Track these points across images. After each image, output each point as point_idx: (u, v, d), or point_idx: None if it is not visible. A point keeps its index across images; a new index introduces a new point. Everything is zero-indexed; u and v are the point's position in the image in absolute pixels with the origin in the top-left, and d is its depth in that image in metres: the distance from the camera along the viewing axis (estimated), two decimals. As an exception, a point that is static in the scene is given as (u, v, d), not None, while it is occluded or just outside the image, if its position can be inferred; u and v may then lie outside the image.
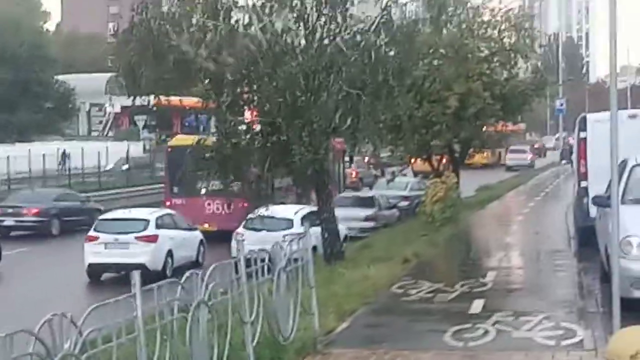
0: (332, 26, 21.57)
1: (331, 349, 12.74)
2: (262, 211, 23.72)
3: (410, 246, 24.18)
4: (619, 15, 12.37)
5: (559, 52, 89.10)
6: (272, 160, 22.24)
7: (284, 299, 11.69)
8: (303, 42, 21.70)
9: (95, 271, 25.93)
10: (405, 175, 44.93)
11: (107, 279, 25.72)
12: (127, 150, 59.88)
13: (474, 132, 37.58)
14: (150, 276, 21.53)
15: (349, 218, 30.30)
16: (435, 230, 28.61)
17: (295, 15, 21.50)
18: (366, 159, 55.47)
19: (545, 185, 55.88)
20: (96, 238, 26.08)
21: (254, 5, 21.52)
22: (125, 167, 58.90)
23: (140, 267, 23.79)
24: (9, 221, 37.25)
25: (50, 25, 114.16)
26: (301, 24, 21.59)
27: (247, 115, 23.40)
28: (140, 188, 50.88)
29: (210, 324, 9.39)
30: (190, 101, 37.06)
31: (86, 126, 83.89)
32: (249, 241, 17.51)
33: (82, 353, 7.16)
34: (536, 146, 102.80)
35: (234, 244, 23.59)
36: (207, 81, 21.81)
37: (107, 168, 57.89)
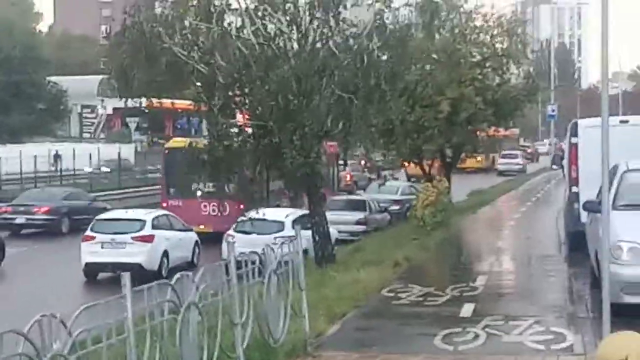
0: (325, 30, 21.57)
1: (321, 352, 12.75)
2: (253, 214, 23.71)
3: (401, 250, 24.19)
4: (611, 21, 12.40)
5: (551, 57, 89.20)
6: (264, 163, 22.28)
7: (275, 302, 11.69)
8: (295, 45, 21.71)
9: (91, 270, 26.21)
10: (396, 179, 44.97)
11: (105, 279, 25.76)
12: (119, 152, 59.82)
13: (466, 137, 37.63)
14: (146, 276, 21.74)
15: (340, 221, 30.32)
16: (426, 235, 28.62)
17: (287, 18, 21.51)
18: (362, 162, 55.46)
19: (537, 190, 55.96)
20: (93, 238, 26.42)
21: (246, 8, 21.52)
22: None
23: (137, 267, 24.55)
24: (20, 219, 37.86)
25: (43, 27, 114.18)
26: (294, 27, 21.60)
27: (239, 118, 23.41)
28: (128, 190, 50.82)
29: (201, 325, 9.39)
30: (182, 104, 37.12)
31: (78, 128, 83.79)
32: (239, 244, 17.52)
33: (72, 353, 7.15)
34: (529, 151, 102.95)
35: (224, 246, 23.60)
36: (199, 84, 21.81)
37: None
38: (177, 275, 9.33)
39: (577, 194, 21.86)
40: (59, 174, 55.09)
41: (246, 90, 21.97)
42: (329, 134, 22.09)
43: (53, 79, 77.39)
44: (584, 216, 18.44)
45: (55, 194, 41.15)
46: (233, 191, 23.34)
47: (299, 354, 12.29)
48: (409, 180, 46.62)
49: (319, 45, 21.63)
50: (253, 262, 11.20)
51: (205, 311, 9.56)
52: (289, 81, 20.89)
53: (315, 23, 21.65)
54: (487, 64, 37.70)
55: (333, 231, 25.45)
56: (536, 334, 13.67)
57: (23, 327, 6.71)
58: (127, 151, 64.44)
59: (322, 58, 21.36)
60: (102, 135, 78.54)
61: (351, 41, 21.72)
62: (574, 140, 22.84)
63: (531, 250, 25.68)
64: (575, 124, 23.47)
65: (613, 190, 15.18)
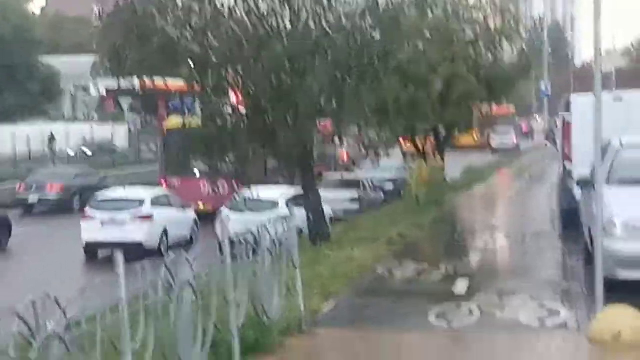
0: (318, 9, 21.52)
1: (316, 330, 12.80)
2: (247, 193, 23.73)
3: (396, 228, 24.25)
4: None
5: (544, 35, 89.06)
6: (258, 143, 22.29)
7: (269, 280, 11.72)
8: (289, 25, 21.66)
9: (92, 249, 26.50)
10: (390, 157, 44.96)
11: (106, 257, 25.81)
12: (112, 133, 59.66)
13: (459, 115, 37.64)
14: (146, 254, 21.79)
15: (334, 200, 30.34)
16: (420, 212, 28.70)
17: (280, -3, 21.45)
18: (361, 140, 55.32)
19: (530, 167, 56.04)
20: (93, 217, 26.67)
21: (239, -13, 21.45)
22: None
23: (137, 245, 25.12)
24: (33, 198, 38.88)
25: (36, 8, 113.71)
26: (287, 6, 21.54)
27: (233, 98, 23.38)
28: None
29: (195, 305, 9.40)
30: (175, 84, 37.06)
31: (71, 109, 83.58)
32: (234, 223, 17.53)
33: (66, 333, 7.17)
34: (524, 128, 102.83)
35: (218, 225, 23.63)
36: (192, 64, 21.77)
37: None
38: (172, 254, 9.35)
39: (570, 171, 21.90)
40: (53, 155, 54.97)
41: (239, 70, 21.93)
42: (322, 113, 22.09)
43: (46, 60, 77.14)
44: (578, 192, 18.49)
45: (67, 172, 42.11)
46: (227, 170, 23.35)
47: (293, 332, 12.33)
48: (404, 158, 46.57)
49: (312, 24, 21.58)
50: (247, 241, 11.21)
51: (199, 290, 9.57)
52: (282, 61, 20.87)
53: (308, 2, 21.60)
54: (480, 42, 37.68)
55: (327, 210, 25.49)
56: (530, 309, 13.74)
57: (19, 307, 6.73)
58: (121, 132, 64.27)
59: (315, 37, 21.32)
60: (95, 116, 78.31)
61: (344, 20, 21.68)
62: (567, 116, 22.87)
63: (525, 227, 25.75)
64: (569, 100, 23.48)
65: (606, 167, 15.21)
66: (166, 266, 9.00)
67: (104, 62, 22.82)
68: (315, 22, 21.56)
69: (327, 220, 24.10)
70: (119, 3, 21.33)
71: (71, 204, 38.70)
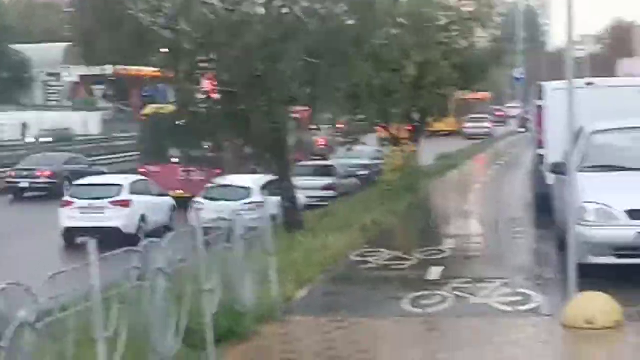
0: (291, -6, 21.45)
1: (290, 317, 12.79)
2: (221, 180, 23.69)
3: (370, 214, 24.24)
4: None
5: (517, 21, 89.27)
6: (231, 130, 22.22)
7: (243, 268, 11.70)
8: (261, 10, 21.58)
9: (70, 235, 26.56)
10: (364, 143, 44.96)
11: (85, 243, 25.75)
12: (86, 120, 59.38)
13: (433, 101, 37.62)
14: (125, 239, 21.84)
15: (308, 187, 30.32)
16: (394, 199, 28.69)
17: (253, -17, 21.37)
18: (340, 126, 55.46)
19: (504, 153, 56.19)
20: (71, 203, 26.95)
21: (211, -27, 21.34)
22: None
23: (115, 230, 25.54)
24: (24, 183, 39.82)
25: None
26: (259, -8, 21.46)
27: (206, 84, 23.29)
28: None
29: (169, 292, 9.37)
30: (148, 71, 37.05)
31: (43, 96, 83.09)
32: (207, 210, 17.50)
33: (38, 322, 7.12)
34: (500, 114, 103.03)
35: (192, 212, 23.57)
36: (164, 50, 21.66)
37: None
38: (145, 241, 9.30)
39: (543, 157, 21.95)
40: (25, 142, 54.67)
41: (212, 56, 21.84)
42: (295, 100, 22.03)
43: (17, 47, 76.65)
44: (551, 178, 18.54)
45: (57, 158, 42.73)
46: (203, 157, 23.31)
47: (267, 320, 12.31)
48: (381, 144, 46.58)
49: (284, 10, 21.51)
50: (220, 228, 11.18)
51: (173, 278, 9.54)
52: (254, 47, 20.77)
53: (281, -12, 21.52)
54: (454, 28, 37.65)
55: (301, 197, 25.47)
56: (503, 295, 13.77)
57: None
58: (94, 119, 63.95)
59: (288, 23, 21.24)
60: (68, 104, 77.87)
61: (317, 6, 21.61)
62: (540, 102, 22.91)
63: (499, 213, 25.82)
64: (542, 86, 23.53)
65: (579, 153, 15.25)
66: (139, 253, 8.96)
67: (76, 49, 22.68)
68: (288, 8, 21.50)
69: (301, 208, 24.06)
70: (89, -12, 21.19)
71: (61, 189, 38.35)
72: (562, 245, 15.31)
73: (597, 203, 14.12)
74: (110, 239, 23.28)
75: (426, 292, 14.05)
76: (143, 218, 27.14)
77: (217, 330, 10.57)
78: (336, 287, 15.38)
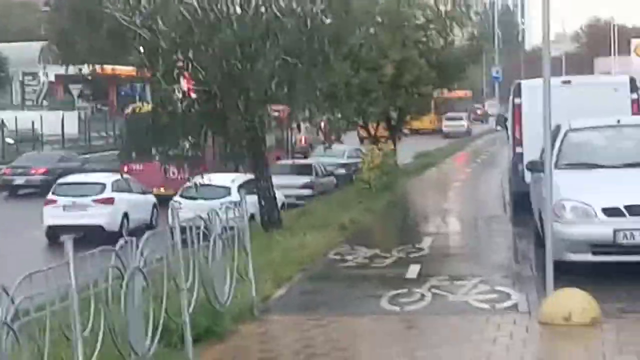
0: (269, -7, 21.41)
1: (268, 316, 12.77)
2: (198, 179, 23.61)
3: (348, 213, 24.27)
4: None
5: (494, 19, 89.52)
6: (209, 129, 22.19)
7: (220, 266, 11.68)
8: (239, 9, 21.54)
9: (53, 233, 26.83)
10: (341, 142, 45.01)
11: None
12: (62, 120, 59.08)
13: (411, 99, 37.71)
14: (108, 237, 21.98)
15: (286, 185, 30.31)
16: (372, 197, 28.73)
17: (230, -19, 21.31)
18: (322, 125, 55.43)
19: (482, 152, 56.34)
20: (55, 201, 27.48)
21: (188, -28, 21.28)
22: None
23: (98, 228, 26.27)
24: (18, 180, 41.04)
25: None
26: (237, -10, 21.41)
27: (183, 83, 23.22)
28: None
29: (146, 291, 9.34)
30: (125, 70, 36.97)
31: (20, 95, 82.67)
32: (185, 209, 17.45)
33: (14, 321, 7.09)
34: (479, 112, 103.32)
35: (170, 212, 23.49)
36: (141, 50, 21.59)
37: None
38: (121, 240, 9.26)
39: (521, 155, 22.03)
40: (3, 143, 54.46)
41: (189, 55, 21.77)
42: (273, 98, 22.02)
43: (-8, 46, 76.30)
44: (528, 176, 18.61)
45: (51, 156, 44.28)
46: (178, 156, 23.23)
47: (245, 319, 12.29)
48: (361, 142, 46.64)
49: (262, 9, 21.48)
50: (198, 227, 11.16)
51: (150, 277, 9.51)
52: (232, 46, 20.74)
53: (258, -14, 21.48)
54: (431, 26, 37.76)
55: (279, 195, 25.46)
56: (481, 293, 13.79)
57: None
58: (71, 119, 63.69)
59: (265, 22, 21.20)
60: (45, 103, 77.50)
61: (295, 4, 21.59)
62: (517, 101, 23.00)
63: (476, 211, 25.89)
64: (519, 85, 23.62)
65: (556, 150, 15.32)
66: (116, 252, 8.93)
67: (52, 48, 22.60)
68: (265, 7, 21.46)
69: (279, 206, 24.05)
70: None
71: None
72: (539, 243, 15.36)
73: (574, 200, 14.17)
74: (93, 236, 23.48)
75: (405, 290, 14.07)
76: (126, 216, 27.59)
77: (195, 329, 10.55)
78: (314, 285, 15.37)
